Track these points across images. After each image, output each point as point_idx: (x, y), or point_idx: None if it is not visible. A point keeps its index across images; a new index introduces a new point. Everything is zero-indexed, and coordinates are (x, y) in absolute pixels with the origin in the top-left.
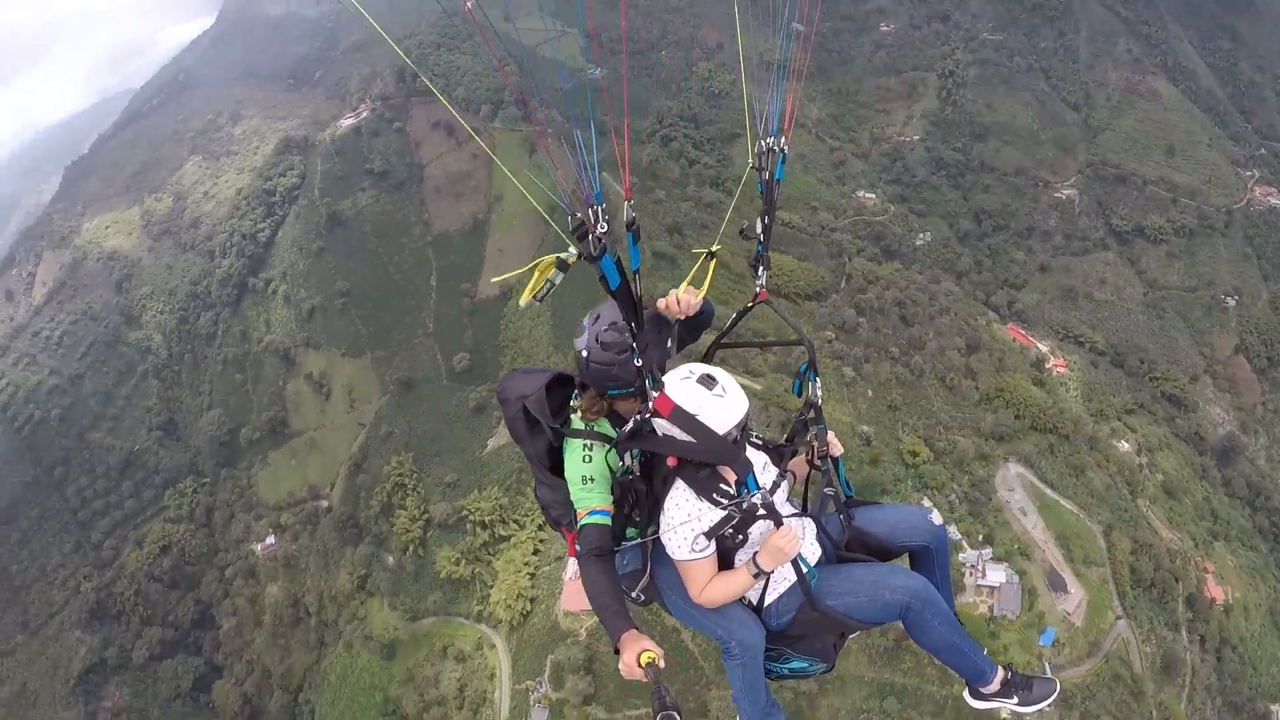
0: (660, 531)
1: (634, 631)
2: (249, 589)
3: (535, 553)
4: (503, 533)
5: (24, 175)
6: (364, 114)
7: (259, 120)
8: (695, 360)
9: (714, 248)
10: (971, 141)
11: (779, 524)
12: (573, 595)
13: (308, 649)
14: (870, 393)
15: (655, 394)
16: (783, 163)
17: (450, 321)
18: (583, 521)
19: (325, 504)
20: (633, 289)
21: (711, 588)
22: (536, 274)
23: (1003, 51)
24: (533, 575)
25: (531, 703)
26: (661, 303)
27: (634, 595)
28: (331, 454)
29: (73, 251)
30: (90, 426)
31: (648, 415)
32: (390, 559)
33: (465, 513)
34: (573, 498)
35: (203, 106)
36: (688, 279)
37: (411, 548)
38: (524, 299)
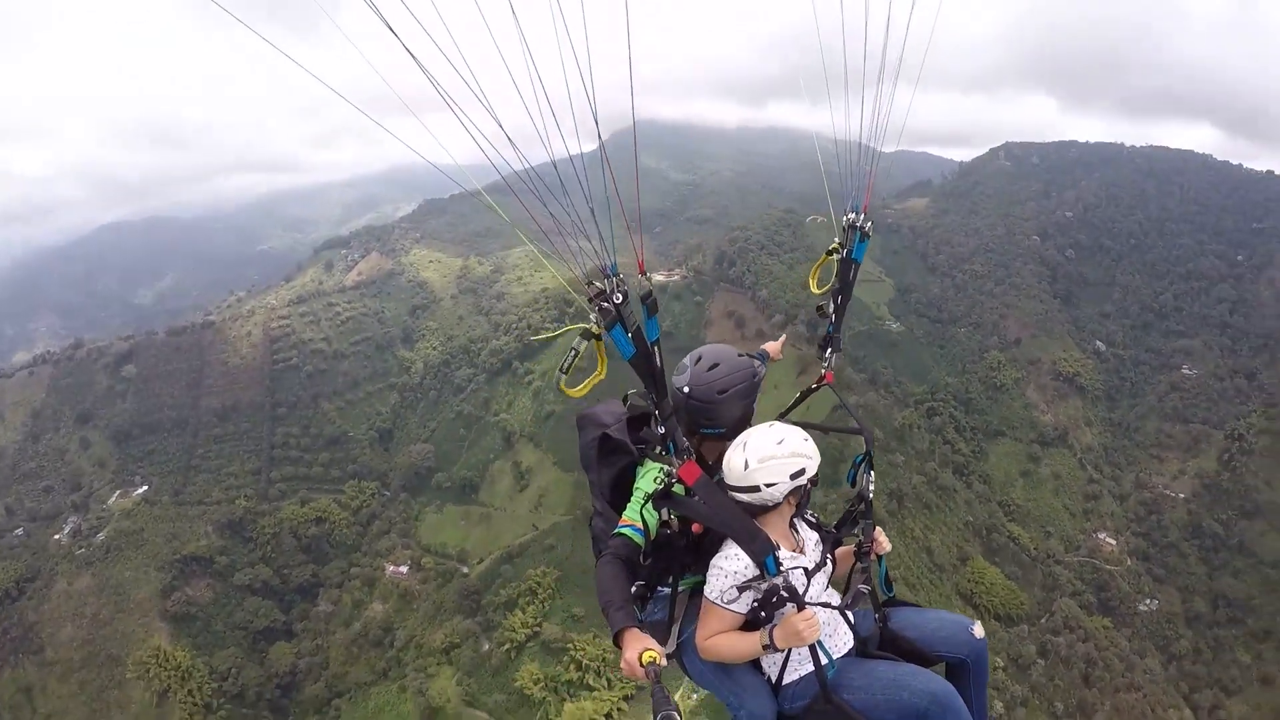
0: (710, 567)
1: (636, 630)
2: (360, 594)
3: (607, 716)
4: (592, 683)
5: (390, 187)
6: (675, 277)
7: (593, 245)
8: None
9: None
10: (1238, 516)
11: (800, 607)
12: None
13: (370, 670)
14: None
15: (681, 462)
16: (861, 241)
17: None
18: (619, 529)
19: (465, 570)
20: (653, 360)
21: (719, 639)
22: (560, 339)
23: None
24: None
25: None
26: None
27: (667, 651)
28: (496, 535)
29: (394, 264)
30: (326, 397)
31: (674, 480)
32: (486, 646)
33: (571, 647)
34: (627, 507)
35: (557, 210)
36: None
37: (509, 647)
38: (564, 384)
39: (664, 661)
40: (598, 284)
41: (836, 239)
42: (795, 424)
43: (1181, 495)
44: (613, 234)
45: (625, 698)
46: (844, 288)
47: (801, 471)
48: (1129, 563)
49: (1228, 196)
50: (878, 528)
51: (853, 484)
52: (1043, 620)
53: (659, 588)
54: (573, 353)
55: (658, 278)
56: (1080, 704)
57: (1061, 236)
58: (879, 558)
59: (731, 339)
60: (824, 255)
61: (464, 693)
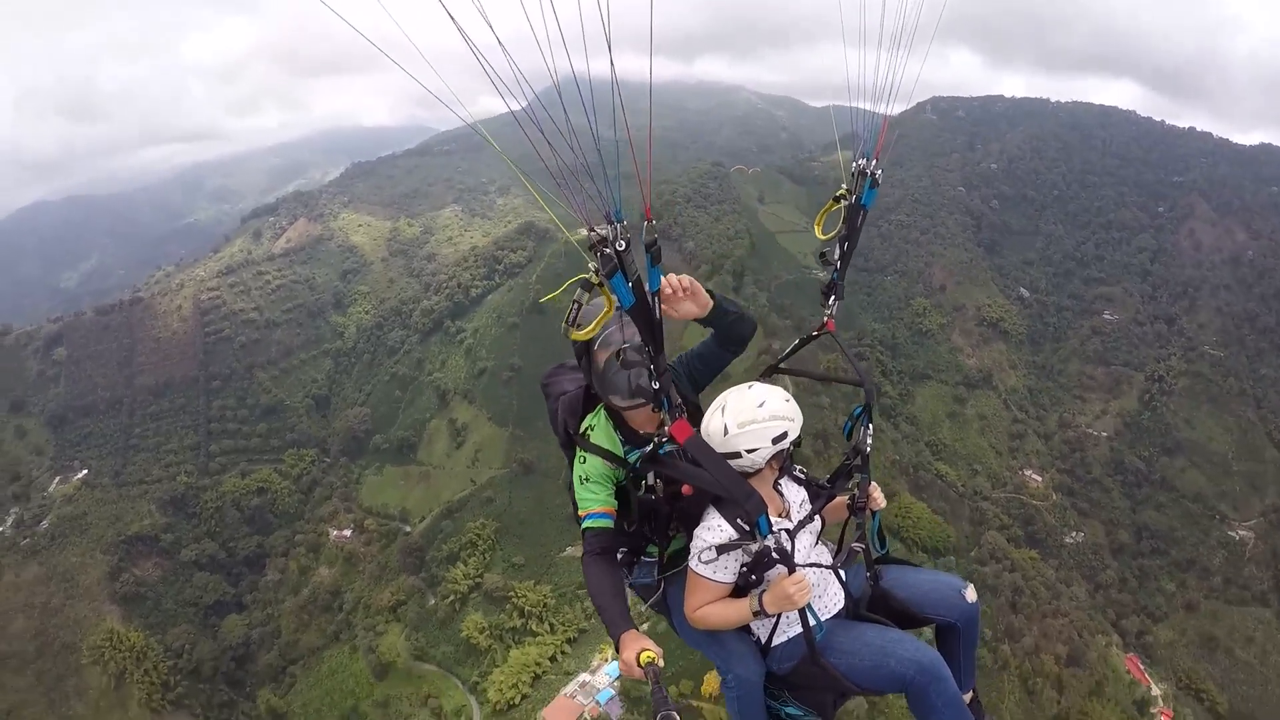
0: (693, 538)
1: (634, 631)
2: (306, 560)
3: (552, 659)
4: (535, 628)
5: (316, 152)
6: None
7: (521, 202)
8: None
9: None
10: (1159, 453)
11: (791, 570)
12: (558, 709)
13: (321, 634)
14: None
15: (672, 420)
16: (871, 188)
17: None
18: (584, 525)
19: (408, 529)
20: (651, 310)
21: (708, 609)
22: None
23: (1219, 369)
24: (537, 678)
25: None
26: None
27: (648, 605)
28: (435, 492)
29: (323, 229)
30: (260, 366)
31: (664, 440)
32: (431, 600)
33: (513, 594)
34: (575, 498)
35: (483, 170)
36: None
37: (453, 598)
38: (573, 334)
39: (661, 662)
40: (599, 230)
41: (844, 185)
42: (795, 372)
43: (1104, 434)
44: (619, 177)
45: (568, 640)
46: (850, 234)
47: (784, 435)
48: (1055, 498)
49: (1149, 151)
50: (873, 483)
51: (849, 437)
52: (971, 553)
53: (644, 556)
54: (575, 305)
55: (584, 232)
56: (1008, 629)
57: (986, 187)
58: (873, 513)
59: None
60: (830, 202)
61: (413, 647)
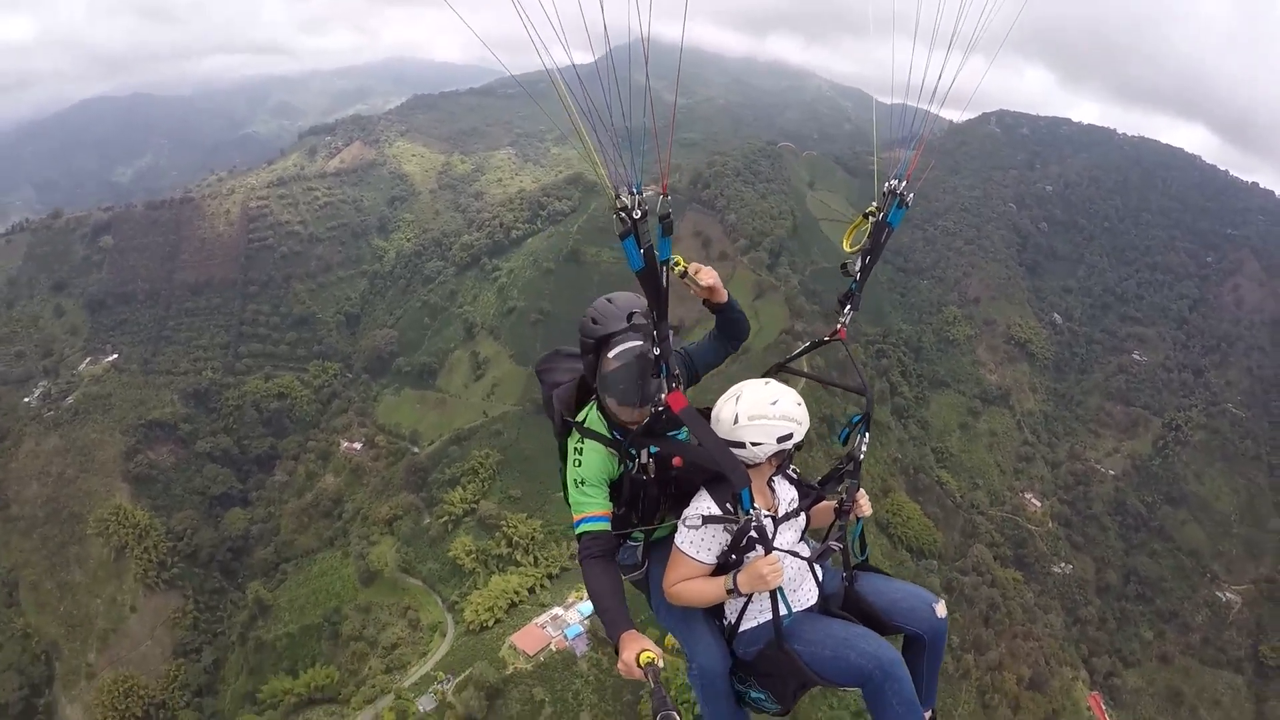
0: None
1: (634, 631)
2: (314, 466)
3: (530, 590)
4: (519, 558)
5: (381, 80)
6: (649, 192)
7: (575, 153)
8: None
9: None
10: (1162, 501)
11: (768, 551)
12: (527, 636)
13: (318, 538)
14: None
15: (668, 390)
16: (898, 207)
17: None
18: (580, 529)
19: (416, 450)
20: (659, 277)
21: (685, 585)
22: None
23: (1239, 429)
24: (513, 605)
25: (430, 690)
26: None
27: (629, 579)
28: (448, 419)
29: (377, 154)
30: (298, 278)
31: (659, 411)
32: (426, 519)
33: (505, 524)
34: (569, 501)
35: (542, 118)
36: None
37: (447, 520)
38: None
39: (661, 663)
40: (624, 198)
41: (874, 203)
42: (799, 373)
43: (1111, 472)
44: (643, 152)
45: (549, 575)
46: (873, 249)
47: (789, 436)
48: (1050, 526)
49: (1209, 199)
50: (860, 489)
51: (845, 443)
52: (956, 562)
53: (628, 540)
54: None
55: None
56: (976, 640)
57: (1038, 208)
58: (857, 519)
59: (697, 257)
60: (859, 218)
61: (401, 560)
